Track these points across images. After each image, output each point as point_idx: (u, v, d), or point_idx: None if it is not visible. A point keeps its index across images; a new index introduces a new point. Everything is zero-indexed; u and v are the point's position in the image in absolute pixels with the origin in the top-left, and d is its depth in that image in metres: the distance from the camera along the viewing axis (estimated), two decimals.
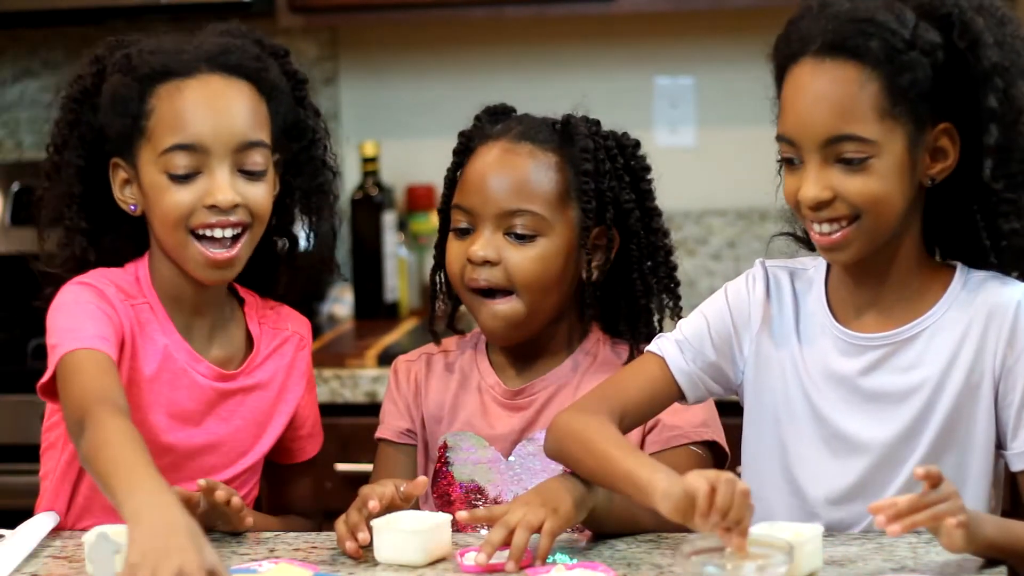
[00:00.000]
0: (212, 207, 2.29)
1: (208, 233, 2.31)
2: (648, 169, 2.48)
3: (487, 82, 3.87)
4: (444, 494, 2.44)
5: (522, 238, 2.38)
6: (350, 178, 3.94)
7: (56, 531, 2.36)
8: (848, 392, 2.23)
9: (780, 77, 2.20)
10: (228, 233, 2.31)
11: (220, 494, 2.24)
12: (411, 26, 3.90)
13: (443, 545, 2.18)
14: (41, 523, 2.32)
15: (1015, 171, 2.16)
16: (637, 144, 2.48)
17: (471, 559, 2.13)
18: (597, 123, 2.46)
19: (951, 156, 2.17)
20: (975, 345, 2.20)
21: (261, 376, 2.43)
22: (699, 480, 1.99)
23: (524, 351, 2.46)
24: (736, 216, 3.86)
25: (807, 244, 2.30)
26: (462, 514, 2.19)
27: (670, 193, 3.87)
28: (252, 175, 2.32)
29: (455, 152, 2.47)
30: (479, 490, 2.43)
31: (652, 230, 2.47)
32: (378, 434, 2.51)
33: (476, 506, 2.41)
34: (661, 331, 2.43)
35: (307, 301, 2.60)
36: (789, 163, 2.19)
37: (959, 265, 2.24)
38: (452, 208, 2.44)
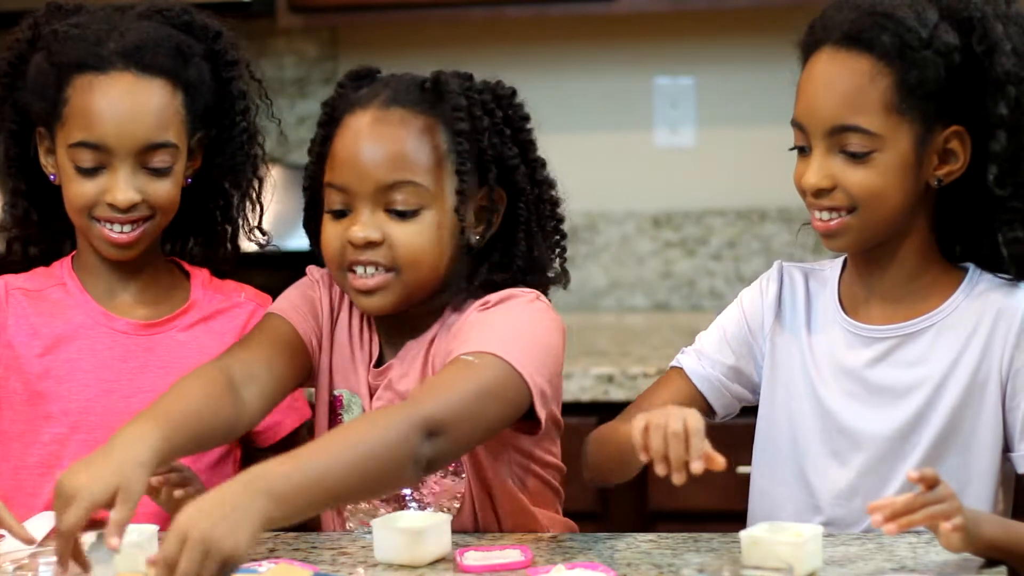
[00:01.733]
0: (110, 204, 2.36)
1: (108, 225, 2.38)
2: (527, 118, 2.37)
3: None
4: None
5: (404, 214, 2.25)
6: None
7: (56, 531, 2.35)
8: (853, 384, 2.24)
9: (801, 65, 2.22)
10: (127, 228, 2.38)
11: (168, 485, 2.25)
12: (411, 26, 3.90)
13: (443, 545, 2.18)
14: (41, 523, 2.32)
15: (1022, 180, 2.17)
16: (513, 93, 2.38)
17: (471, 559, 2.14)
18: (470, 77, 2.36)
19: (961, 159, 2.18)
20: (982, 345, 2.20)
21: (201, 335, 2.45)
22: (639, 420, 2.03)
23: (399, 320, 2.32)
24: (736, 216, 3.86)
25: None
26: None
27: (670, 193, 3.92)
28: (157, 171, 2.38)
29: (320, 124, 2.34)
30: None
31: (537, 183, 2.36)
32: (271, 308, 2.38)
33: None
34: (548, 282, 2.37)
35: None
36: (801, 150, 2.21)
37: (971, 267, 2.25)
38: (324, 186, 2.30)
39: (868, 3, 2.17)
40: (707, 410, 2.30)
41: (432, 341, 2.32)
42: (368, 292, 2.27)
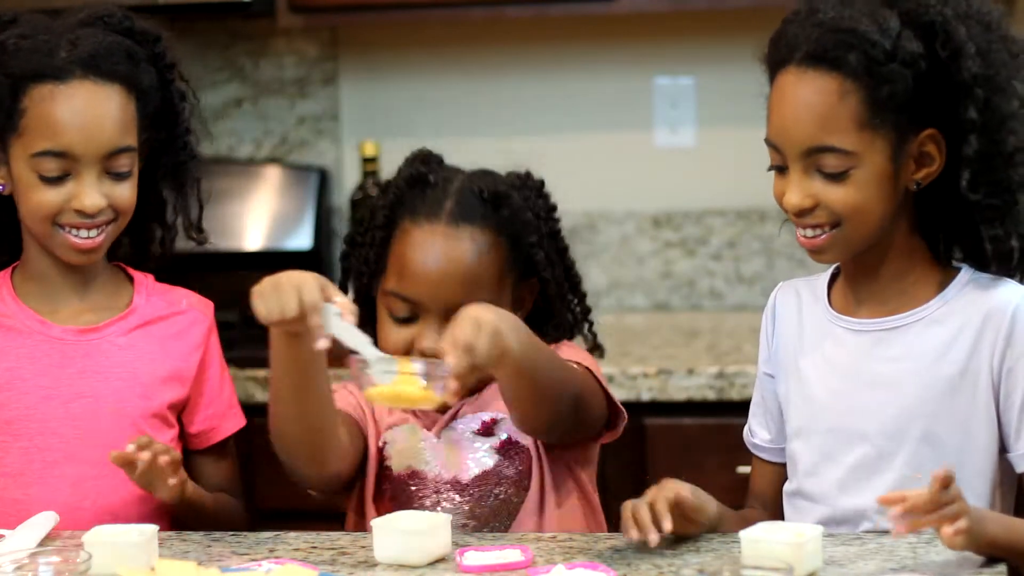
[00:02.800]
0: (78, 211, 2.37)
1: (73, 231, 2.39)
2: (555, 208, 2.48)
3: (487, 82, 3.87)
4: (381, 491, 2.44)
5: None
6: (350, 178, 3.94)
7: (56, 531, 2.36)
8: (840, 380, 2.25)
9: (769, 81, 2.21)
10: (93, 233, 2.40)
11: (149, 453, 2.27)
12: (411, 26, 3.90)
13: (443, 545, 2.18)
14: (41, 523, 2.32)
15: (998, 178, 2.17)
16: (542, 185, 2.48)
17: (471, 559, 2.14)
18: (520, 185, 2.44)
19: (937, 161, 2.18)
20: (971, 342, 2.20)
21: (140, 340, 2.47)
22: (626, 507, 2.13)
23: None
24: (736, 216, 3.86)
25: None
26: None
27: (670, 193, 3.92)
28: (119, 175, 2.40)
29: (378, 226, 2.41)
30: (415, 474, 2.43)
31: (568, 270, 2.48)
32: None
33: (415, 492, 2.41)
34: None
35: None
36: (778, 168, 2.20)
37: (964, 266, 2.25)
38: (387, 293, 2.39)
39: (829, 19, 2.14)
40: (781, 461, 2.35)
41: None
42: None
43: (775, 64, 2.19)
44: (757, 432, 2.36)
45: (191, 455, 2.52)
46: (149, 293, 2.51)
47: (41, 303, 2.46)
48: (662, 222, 3.90)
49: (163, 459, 2.28)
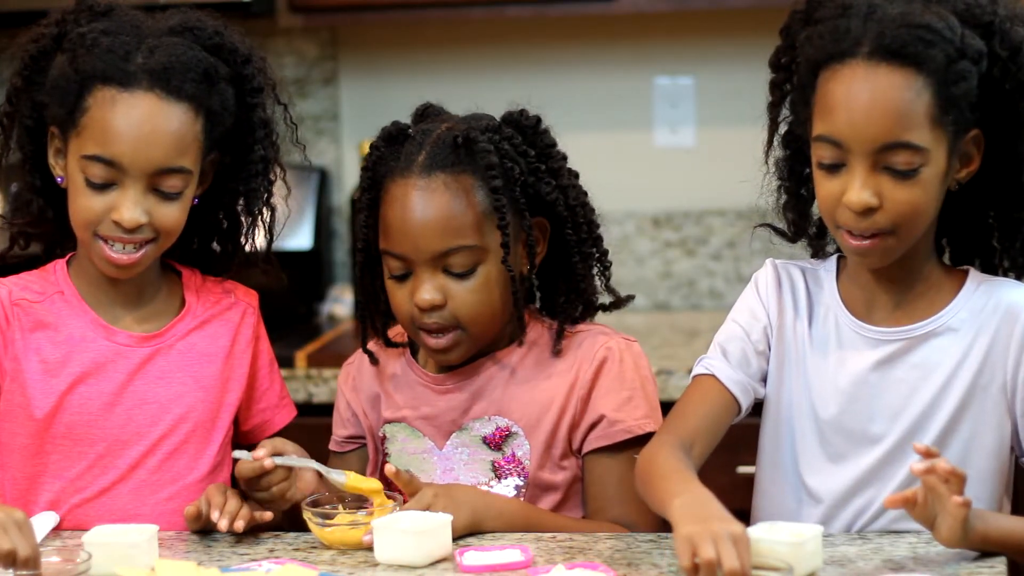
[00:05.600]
0: (116, 223, 2.33)
1: (110, 243, 2.35)
2: (554, 144, 2.45)
3: (487, 82, 3.87)
4: (388, 483, 2.44)
5: (461, 275, 2.36)
6: (350, 178, 3.94)
7: (56, 531, 2.36)
8: (857, 386, 2.24)
9: (811, 75, 2.17)
10: (130, 249, 2.35)
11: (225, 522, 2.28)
12: (411, 26, 3.90)
13: (443, 545, 2.18)
14: (41, 523, 2.32)
15: None
16: (538, 121, 2.45)
17: (471, 559, 2.14)
18: (497, 126, 2.41)
19: (975, 160, 2.18)
20: (985, 347, 2.20)
21: (199, 341, 2.45)
22: (703, 545, 1.92)
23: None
24: (736, 216, 3.86)
25: (787, 236, 2.33)
26: (389, 467, 2.28)
27: (670, 193, 3.91)
28: (167, 195, 2.35)
29: (363, 188, 2.42)
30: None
31: (572, 208, 2.44)
32: (330, 446, 2.54)
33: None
34: (596, 300, 2.46)
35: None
36: (829, 168, 2.16)
37: (971, 269, 2.25)
38: (382, 253, 2.40)
39: (894, 13, 2.12)
40: (737, 411, 2.30)
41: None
42: (441, 351, 2.39)
43: (825, 58, 2.14)
44: (737, 362, 2.31)
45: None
46: (199, 290, 2.48)
47: (103, 307, 2.42)
48: (662, 222, 3.90)
49: (237, 525, 2.27)
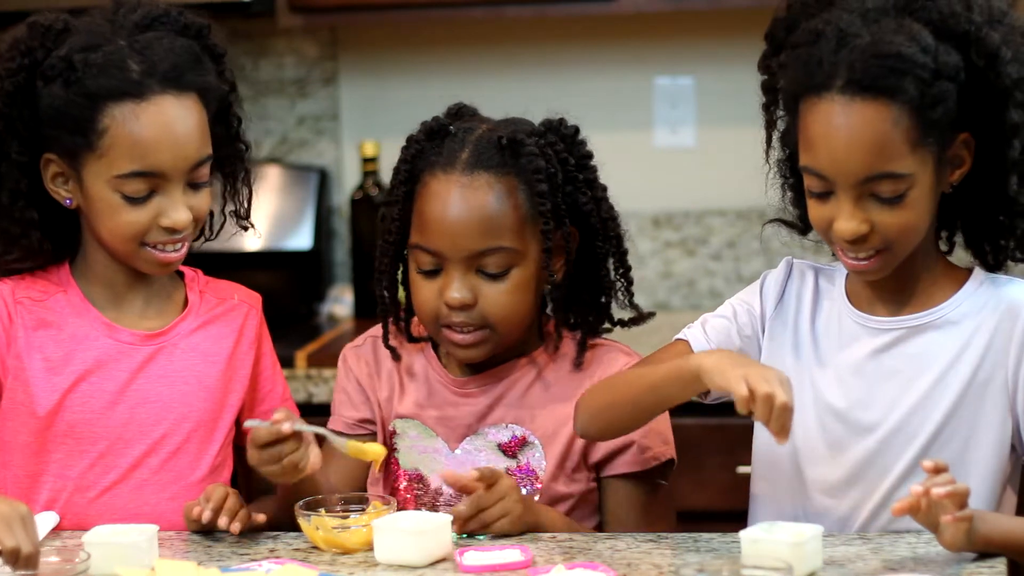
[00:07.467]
0: (167, 228, 2.33)
1: (160, 246, 2.36)
2: (591, 155, 2.46)
3: (487, 82, 3.87)
4: (392, 479, 2.45)
5: (495, 276, 2.36)
6: (350, 178, 3.94)
7: (56, 531, 2.36)
8: (855, 376, 2.25)
9: (793, 103, 2.18)
10: (178, 246, 2.37)
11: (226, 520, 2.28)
12: (411, 26, 3.90)
13: (443, 545, 2.18)
14: (41, 523, 2.32)
15: None
16: (576, 131, 2.46)
17: (471, 559, 2.14)
18: (543, 132, 2.42)
19: (967, 162, 2.19)
20: (985, 343, 2.21)
21: (202, 341, 2.45)
22: (759, 382, 2.04)
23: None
24: (736, 216, 3.86)
25: (798, 229, 2.33)
26: (447, 473, 2.29)
27: (670, 193, 3.91)
28: (198, 186, 2.37)
29: (401, 181, 2.41)
30: (420, 479, 2.44)
31: (604, 220, 2.44)
32: (329, 425, 2.49)
33: (417, 495, 2.43)
34: (610, 315, 2.47)
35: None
36: (819, 196, 2.17)
37: (976, 267, 2.25)
38: (412, 247, 2.39)
39: (864, 43, 2.11)
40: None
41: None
42: (466, 347, 2.38)
43: (803, 89, 2.15)
44: (715, 336, 2.31)
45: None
46: (201, 289, 2.49)
47: (107, 306, 2.43)
48: (662, 222, 3.90)
49: (233, 527, 2.27)
